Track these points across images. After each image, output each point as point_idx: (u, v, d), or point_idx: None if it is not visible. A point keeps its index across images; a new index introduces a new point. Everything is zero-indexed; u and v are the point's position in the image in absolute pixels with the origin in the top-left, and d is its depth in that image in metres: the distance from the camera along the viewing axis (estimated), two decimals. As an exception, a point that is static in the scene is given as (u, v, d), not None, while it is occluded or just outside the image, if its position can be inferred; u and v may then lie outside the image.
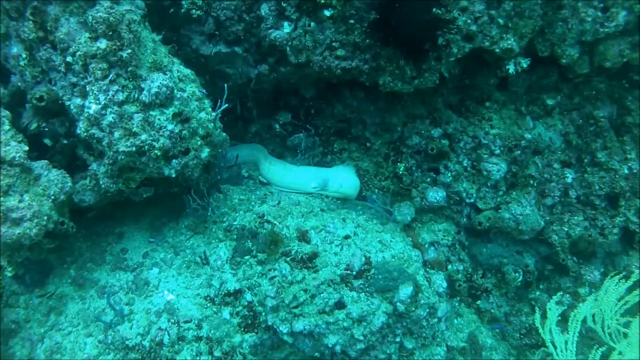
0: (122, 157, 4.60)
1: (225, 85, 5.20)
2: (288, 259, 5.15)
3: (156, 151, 4.63)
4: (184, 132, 4.76)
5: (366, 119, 6.37)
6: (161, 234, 5.83)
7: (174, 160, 4.81)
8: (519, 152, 6.09)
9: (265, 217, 5.56)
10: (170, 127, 4.67)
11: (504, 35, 5.30)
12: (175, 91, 4.71)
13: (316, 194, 6.17)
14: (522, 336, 6.25)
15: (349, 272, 5.07)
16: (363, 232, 5.64)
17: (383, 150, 6.37)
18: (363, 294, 5.04)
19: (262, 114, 6.71)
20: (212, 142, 5.09)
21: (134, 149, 4.57)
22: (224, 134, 5.34)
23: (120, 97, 4.54)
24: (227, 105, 5.12)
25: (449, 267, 6.07)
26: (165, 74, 4.70)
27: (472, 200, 6.19)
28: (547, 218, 6.33)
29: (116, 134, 4.54)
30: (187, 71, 5.04)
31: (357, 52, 5.35)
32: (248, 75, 5.96)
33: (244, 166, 6.65)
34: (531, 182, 6.23)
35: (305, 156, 6.37)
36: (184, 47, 5.76)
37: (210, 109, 5.06)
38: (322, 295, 4.95)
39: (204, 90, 5.09)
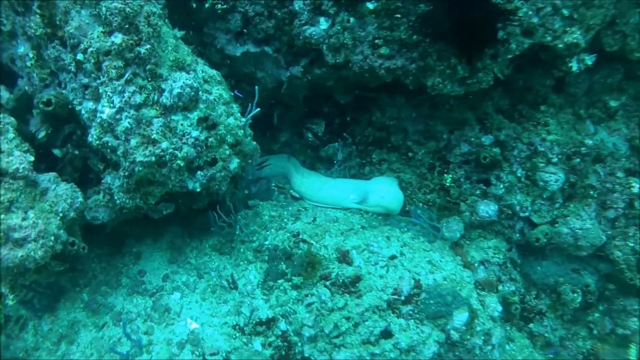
0: (140, 168, 3.90)
1: (257, 87, 4.50)
2: (327, 282, 4.67)
3: (179, 161, 3.91)
4: (210, 139, 4.06)
5: (407, 127, 5.65)
6: (183, 254, 5.23)
7: (199, 172, 4.11)
8: (578, 160, 5.32)
9: (300, 236, 4.95)
10: (194, 133, 3.97)
11: (569, 29, 4.56)
12: (201, 93, 4.01)
13: (355, 209, 5.43)
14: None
15: (396, 297, 4.61)
16: (410, 251, 4.97)
17: (427, 161, 5.63)
18: (412, 321, 4.58)
19: (292, 122, 6.00)
20: (241, 152, 4.38)
21: (153, 158, 3.86)
22: (254, 142, 4.63)
23: (138, 99, 3.85)
24: (257, 110, 4.41)
25: (500, 287, 5.44)
26: (189, 74, 4.00)
27: (526, 214, 5.43)
28: (609, 232, 5.58)
29: (133, 142, 3.84)
30: (213, 72, 4.37)
31: (403, 50, 4.63)
32: (279, 78, 5.26)
33: (273, 179, 5.94)
34: (591, 192, 5.47)
35: (340, 168, 5.65)
36: (208, 48, 5.08)
37: (239, 114, 4.38)
38: (366, 323, 4.49)
39: (234, 92, 4.41)
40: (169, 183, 4.06)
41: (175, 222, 5.25)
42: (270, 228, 5.11)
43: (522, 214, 5.44)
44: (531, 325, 5.66)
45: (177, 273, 5.07)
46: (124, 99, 3.84)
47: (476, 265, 5.39)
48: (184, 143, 3.93)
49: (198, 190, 4.15)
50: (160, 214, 4.62)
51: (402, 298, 4.58)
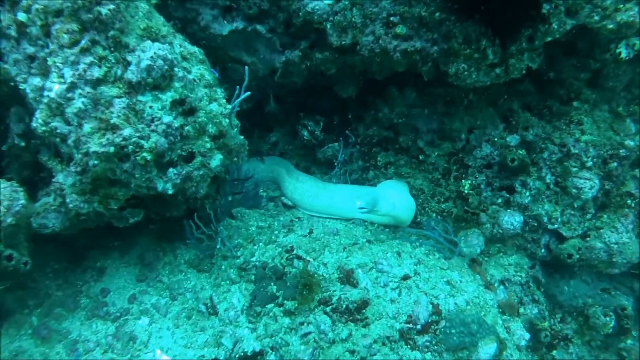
0: (95, 161, 2.95)
1: (247, 68, 3.59)
2: (328, 308, 3.80)
3: (145, 154, 2.97)
4: (187, 128, 3.14)
5: (419, 125, 4.76)
6: (154, 270, 4.30)
7: (171, 170, 3.17)
8: (615, 164, 4.50)
9: (294, 252, 4.11)
10: (166, 119, 3.03)
11: (622, 5, 3.71)
12: (177, 69, 3.09)
13: (358, 220, 4.53)
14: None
15: (411, 325, 3.76)
16: (425, 270, 4.11)
17: (441, 164, 4.74)
18: (430, 354, 3.74)
19: (285, 118, 5.09)
20: (226, 146, 3.47)
21: (112, 149, 2.91)
22: (242, 136, 3.72)
23: (96, 73, 2.93)
24: (248, 94, 3.51)
25: (521, 310, 4.66)
26: (163, 45, 3.08)
27: (555, 226, 4.58)
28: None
29: (86, 127, 2.90)
30: (194, 48, 3.48)
31: (423, 29, 3.77)
32: (272, 64, 4.36)
33: (261, 184, 5.01)
34: (629, 202, 4.64)
35: (341, 172, 4.74)
36: (190, 25, 4.15)
37: (224, 101, 3.46)
38: (374, 357, 3.66)
39: (216, 73, 3.50)
40: (133, 182, 3.11)
41: (147, 232, 4.41)
42: (258, 241, 4.21)
43: (550, 226, 4.58)
44: (554, 352, 4.81)
45: (146, 293, 4.15)
46: (77, 73, 2.90)
47: (496, 285, 4.55)
48: (153, 131, 2.98)
49: (170, 192, 3.21)
50: (126, 223, 3.66)
51: (418, 327, 3.73)
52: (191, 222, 3.93)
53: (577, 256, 4.53)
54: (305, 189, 4.69)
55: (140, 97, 2.98)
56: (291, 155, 5.28)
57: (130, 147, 2.93)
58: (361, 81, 4.66)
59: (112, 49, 2.96)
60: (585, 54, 4.36)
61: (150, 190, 3.23)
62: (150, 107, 2.98)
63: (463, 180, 4.61)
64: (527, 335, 4.30)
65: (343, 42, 3.95)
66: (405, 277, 3.95)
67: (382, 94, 4.74)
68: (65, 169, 3.30)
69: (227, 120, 3.40)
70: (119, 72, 2.96)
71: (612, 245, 4.58)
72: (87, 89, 2.91)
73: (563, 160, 4.51)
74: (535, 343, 4.49)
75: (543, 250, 4.75)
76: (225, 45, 4.29)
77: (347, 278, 3.88)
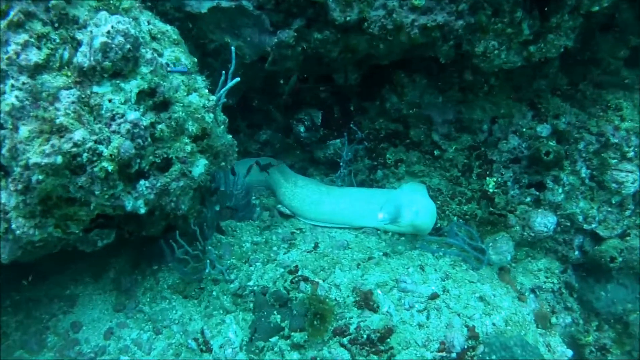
0: (40, 176, 2.12)
1: (233, 48, 2.78)
2: (345, 339, 3.02)
3: (105, 163, 2.16)
4: (159, 126, 2.34)
5: (432, 116, 3.98)
6: (133, 298, 3.53)
7: (142, 182, 2.36)
8: (659, 153, 3.80)
9: (299, 272, 3.30)
10: (132, 115, 2.22)
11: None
12: (144, 50, 2.29)
13: (370, 227, 3.75)
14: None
15: (444, 354, 3.04)
16: (454, 285, 3.38)
17: (461, 160, 3.97)
18: None
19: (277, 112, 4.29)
20: (211, 148, 2.68)
21: (59, 159, 2.08)
22: (230, 136, 2.93)
23: (34, 57, 2.13)
24: (237, 80, 2.71)
25: (553, 319, 3.95)
26: (125, 18, 2.27)
27: (593, 225, 3.88)
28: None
29: (24, 131, 2.07)
30: (167, 27, 2.69)
31: (445, 0, 2.99)
32: (262, 48, 3.52)
33: (253, 191, 4.19)
34: (674, 197, 3.93)
35: (345, 172, 3.95)
36: (162, 3, 3.30)
37: (206, 91, 2.66)
38: None
39: (195, 59, 2.71)
40: (93, 201, 2.30)
41: (124, 252, 3.67)
42: (254, 261, 3.43)
43: (585, 226, 3.87)
44: (587, 364, 4.13)
45: (125, 326, 3.41)
46: (7, 57, 2.08)
47: (527, 294, 3.85)
48: (114, 132, 2.17)
49: (142, 211, 2.40)
50: (95, 247, 2.86)
51: (453, 355, 3.01)
52: (171, 241, 3.14)
53: (620, 259, 3.83)
54: (305, 195, 3.87)
55: (95, 88, 2.16)
56: (285, 155, 4.46)
57: (85, 155, 2.11)
58: (365, 67, 3.87)
59: (56, 25, 2.14)
60: (623, 30, 3.65)
61: (117, 210, 2.42)
62: (110, 100, 2.17)
63: (487, 178, 3.85)
64: (570, 353, 3.58)
65: (348, 18, 3.15)
66: (434, 296, 3.20)
67: (389, 81, 3.96)
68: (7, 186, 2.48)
69: (212, 116, 2.60)
70: (66, 56, 2.15)
71: (656, 245, 3.92)
72: (23, 78, 2.08)
73: (601, 151, 3.80)
74: (579, 360, 3.82)
75: (577, 253, 4.04)
76: (205, 27, 3.45)
77: (366, 301, 3.10)
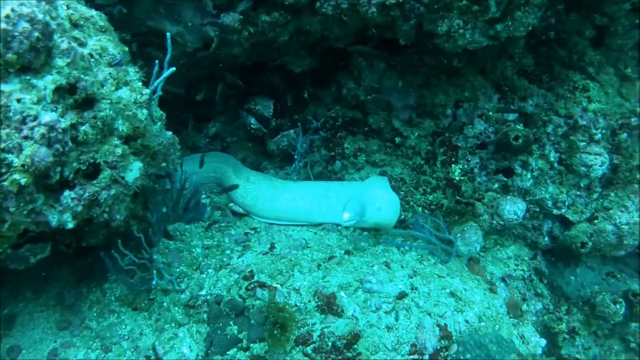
0: (-64, 193, 1.78)
1: (168, 35, 2.45)
2: (308, 349, 2.77)
3: (16, 175, 1.80)
4: (83, 128, 1.99)
5: (393, 101, 3.75)
6: (78, 313, 3.16)
7: (66, 193, 2.02)
8: (625, 135, 3.71)
9: (255, 277, 3.00)
10: (47, 117, 1.86)
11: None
12: (58, 38, 1.94)
13: (329, 223, 3.51)
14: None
15: (416, 356, 2.84)
16: (423, 282, 3.17)
17: (424, 147, 3.76)
18: None
19: (227, 105, 3.96)
20: (147, 148, 2.35)
21: (-43, 173, 1.75)
22: (169, 132, 2.61)
23: None
24: (172, 70, 2.39)
25: (524, 306, 3.87)
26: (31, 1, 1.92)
27: (562, 210, 3.75)
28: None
29: None
30: (91, 11, 2.32)
31: (405, -25, 2.75)
32: (204, 33, 3.18)
33: (202, 189, 3.85)
34: (639, 176, 3.86)
35: (300, 164, 3.67)
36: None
37: (140, 84, 2.33)
38: None
39: (125, 48, 2.37)
40: (8, 219, 1.96)
41: (66, 263, 3.23)
42: (205, 267, 3.11)
43: (555, 212, 3.75)
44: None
45: (70, 345, 3.04)
46: None
47: (497, 283, 3.72)
48: (26, 137, 1.81)
49: (70, 226, 2.07)
50: (28, 263, 2.50)
51: (426, 357, 2.82)
52: (113, 252, 2.82)
53: (591, 244, 3.72)
54: (259, 192, 3.56)
55: (1, 86, 1.82)
56: (236, 149, 4.14)
57: (-9, 167, 1.78)
58: (318, 51, 3.59)
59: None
60: (590, 7, 3.49)
61: (41, 226, 2.09)
62: (19, 100, 1.81)
63: (453, 165, 3.65)
64: (544, 342, 3.51)
65: (298, -3, 2.88)
66: (402, 295, 2.99)
67: (345, 66, 3.69)
68: None
69: (145, 112, 2.27)
70: (-40, 47, 1.80)
71: (622, 226, 3.86)
72: None
73: (569, 134, 3.66)
74: (552, 348, 3.71)
75: (546, 239, 3.92)
76: (141, 13, 3.09)
77: (329, 305, 2.85)
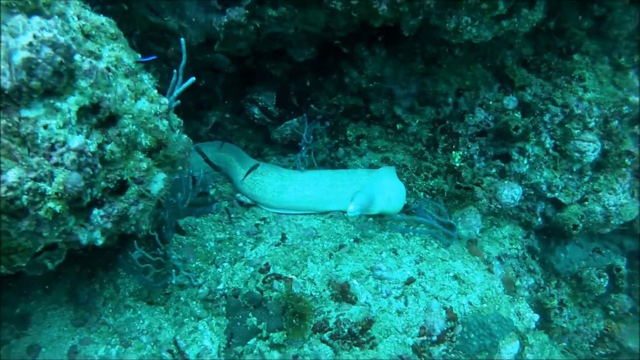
0: (-32, 224, 1.72)
1: (182, 40, 2.35)
2: (326, 335, 2.85)
3: (51, 204, 1.76)
4: (109, 147, 1.94)
5: (394, 89, 3.70)
6: (94, 310, 3.08)
7: (95, 211, 1.98)
8: (616, 122, 3.75)
9: (271, 270, 3.04)
10: (76, 141, 1.81)
11: None
12: (79, 58, 1.86)
13: (336, 211, 3.52)
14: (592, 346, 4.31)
15: (425, 337, 2.94)
16: (428, 267, 3.23)
17: (425, 134, 3.76)
18: None
19: (227, 93, 3.86)
20: (168, 158, 2.29)
21: (-9, 205, 1.69)
22: (185, 136, 2.54)
23: (-60, 80, 1.64)
24: (192, 80, 2.31)
25: (517, 282, 4.03)
26: (49, 20, 1.81)
27: (556, 194, 3.81)
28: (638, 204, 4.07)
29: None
30: (101, 18, 2.20)
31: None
32: (209, 28, 3.05)
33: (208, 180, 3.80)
34: (627, 161, 3.93)
35: (304, 153, 3.63)
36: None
37: (155, 92, 2.25)
38: None
39: (138, 55, 2.28)
40: (41, 241, 1.91)
41: (74, 258, 2.93)
42: (220, 261, 3.12)
43: (549, 195, 3.81)
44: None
45: (89, 342, 2.97)
46: None
47: (493, 262, 3.83)
48: (57, 164, 1.76)
49: (100, 243, 2.03)
50: (45, 270, 2.44)
51: (434, 337, 2.93)
52: (129, 253, 2.78)
53: (582, 226, 3.81)
54: (267, 183, 3.52)
55: (25, 112, 1.72)
56: (238, 138, 4.05)
57: (25, 197, 1.70)
58: (319, 40, 3.50)
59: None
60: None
61: (70, 245, 2.04)
62: (45, 126, 1.74)
63: (453, 152, 3.66)
64: (537, 317, 3.59)
65: (306, -10, 2.78)
66: (410, 281, 3.07)
67: (346, 54, 3.62)
68: None
69: (166, 123, 2.21)
70: (-18, 75, 1.70)
71: (610, 207, 3.95)
72: None
73: (565, 122, 3.69)
74: (544, 322, 3.83)
75: (540, 219, 4.01)
76: (142, 9, 2.96)
77: (343, 294, 2.92)
